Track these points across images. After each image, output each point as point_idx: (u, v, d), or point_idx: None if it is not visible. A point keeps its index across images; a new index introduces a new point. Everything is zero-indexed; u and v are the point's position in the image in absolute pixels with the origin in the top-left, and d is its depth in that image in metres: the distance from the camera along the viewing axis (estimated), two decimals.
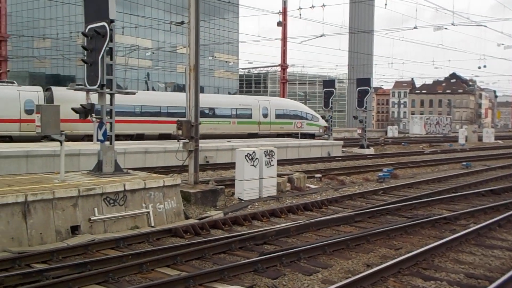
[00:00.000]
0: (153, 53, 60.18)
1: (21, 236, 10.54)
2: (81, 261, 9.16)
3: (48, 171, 18.25)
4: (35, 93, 29.91)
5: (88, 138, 29.56)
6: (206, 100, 37.14)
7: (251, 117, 38.48)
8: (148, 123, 33.37)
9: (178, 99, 34.79)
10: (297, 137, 39.23)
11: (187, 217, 13.84)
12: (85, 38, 14.12)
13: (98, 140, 14.40)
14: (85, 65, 14.32)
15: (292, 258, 9.52)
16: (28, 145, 23.26)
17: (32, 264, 9.18)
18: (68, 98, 29.06)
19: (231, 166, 23.34)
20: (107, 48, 13.74)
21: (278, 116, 40.01)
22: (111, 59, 14.11)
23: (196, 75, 16.03)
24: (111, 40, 13.62)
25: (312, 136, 41.22)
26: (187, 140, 16.01)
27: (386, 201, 16.14)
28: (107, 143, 14.25)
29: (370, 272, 8.53)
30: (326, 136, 41.10)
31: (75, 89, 15.44)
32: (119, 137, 31.54)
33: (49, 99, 29.87)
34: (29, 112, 28.79)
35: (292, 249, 9.91)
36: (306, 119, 41.70)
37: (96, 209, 11.87)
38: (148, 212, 12.87)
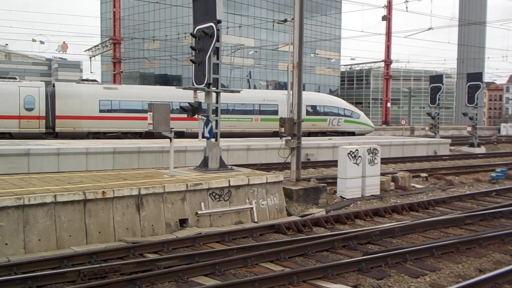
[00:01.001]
0: (256, 51, 61.22)
1: (135, 227, 11.22)
2: (189, 253, 9.56)
3: (157, 166, 19.25)
4: (36, 89, 29.15)
5: (93, 135, 29.58)
6: (224, 95, 37.01)
7: (277, 114, 33.89)
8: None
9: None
10: (335, 135, 35.81)
11: (289, 214, 13.95)
12: (194, 38, 14.69)
13: (204, 137, 14.94)
14: (193, 65, 14.91)
15: (398, 259, 9.26)
16: (140, 142, 24.69)
17: (145, 253, 9.74)
18: (70, 94, 29.91)
19: (332, 164, 23.15)
20: (214, 48, 14.19)
21: (309, 112, 35.71)
22: (217, 59, 14.56)
23: (299, 73, 16.06)
24: (217, 40, 14.05)
25: (351, 134, 37.66)
26: (289, 138, 16.10)
27: (500, 204, 15.15)
28: (213, 140, 14.74)
29: (483, 277, 8.07)
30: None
31: (184, 89, 16.11)
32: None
33: (51, 95, 29.46)
34: (29, 109, 28.34)
35: (397, 250, 9.63)
36: (344, 115, 37.72)
37: (202, 203, 12.33)
38: (252, 208, 13.13)
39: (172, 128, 13.73)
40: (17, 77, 31.79)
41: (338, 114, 37.43)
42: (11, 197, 9.94)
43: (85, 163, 19.78)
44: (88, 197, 10.70)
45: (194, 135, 28.97)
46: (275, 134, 32.48)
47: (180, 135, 29.67)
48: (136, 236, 11.09)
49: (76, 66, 45.67)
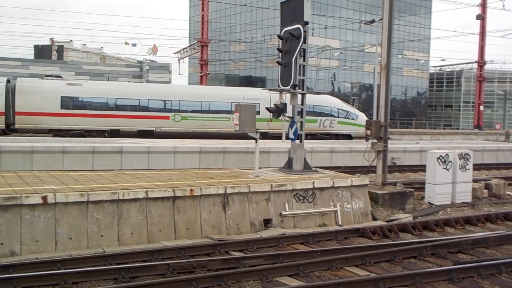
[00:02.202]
0: (341, 53, 60.57)
1: (221, 225, 11.48)
2: (273, 253, 9.64)
3: (241, 166, 19.56)
4: None
5: (56, 132, 28.95)
6: (198, 92, 32.81)
7: (258, 113, 33.16)
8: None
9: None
10: (327, 138, 32.85)
11: (374, 219, 13.66)
12: (280, 40, 14.79)
13: (289, 138, 14.99)
14: (279, 66, 15.01)
15: (492, 271, 8.78)
16: (225, 142, 25.20)
17: (230, 251, 9.94)
18: (31, 90, 29.56)
19: (419, 168, 22.38)
20: (301, 50, 14.21)
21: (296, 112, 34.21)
22: (304, 60, 14.57)
23: (387, 74, 15.69)
24: (304, 41, 14.06)
25: (347, 137, 34.42)
26: (375, 140, 15.77)
27: None
28: (297, 141, 14.75)
29: None
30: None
31: (270, 90, 16.23)
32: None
33: (12, 91, 29.31)
34: None
35: (491, 261, 9.14)
36: (337, 116, 34.10)
37: (286, 204, 12.38)
38: (336, 211, 13.00)
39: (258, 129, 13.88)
40: None
41: (331, 115, 33.88)
42: (107, 192, 10.52)
43: (173, 162, 20.49)
44: (177, 194, 11.09)
45: (164, 135, 28.46)
46: None
47: (149, 134, 29.34)
48: (222, 234, 11.34)
49: (165, 68, 47.57)
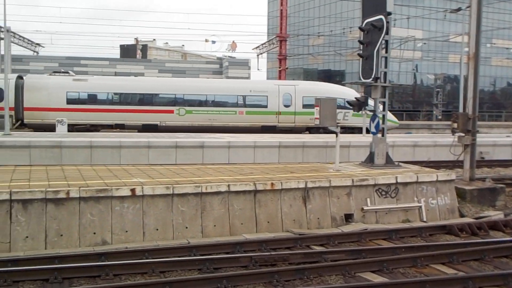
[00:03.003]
0: (425, 43, 58.38)
1: (301, 219, 11.47)
2: (355, 248, 9.51)
3: (321, 161, 19.41)
4: (7, 81, 29.04)
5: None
6: (203, 85, 32.00)
7: (266, 106, 30.18)
8: None
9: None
10: (341, 131, 30.97)
11: (461, 215, 13.09)
12: (362, 32, 14.50)
13: (371, 132, 14.69)
14: (360, 59, 14.72)
15: None
16: (304, 137, 25.12)
17: (311, 245, 9.91)
18: (38, 86, 29.49)
19: (511, 163, 21.18)
20: (383, 41, 13.86)
21: (306, 105, 30.01)
22: (386, 52, 14.20)
23: (476, 64, 14.92)
24: (387, 33, 13.70)
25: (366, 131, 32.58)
26: (462, 134, 15.08)
27: None
28: (379, 135, 14.42)
29: None
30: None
31: (350, 83, 15.94)
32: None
33: (21, 87, 29.59)
34: None
35: None
36: (352, 109, 32.34)
37: (368, 199, 12.15)
38: (420, 207, 12.58)
39: (338, 124, 13.70)
40: None
41: (345, 107, 30.44)
42: (191, 185, 10.84)
43: (253, 156, 20.71)
44: (258, 188, 11.21)
45: (169, 129, 27.48)
46: (263, 129, 29.26)
47: (154, 128, 28.41)
48: (303, 228, 11.33)
49: (244, 64, 48.20)
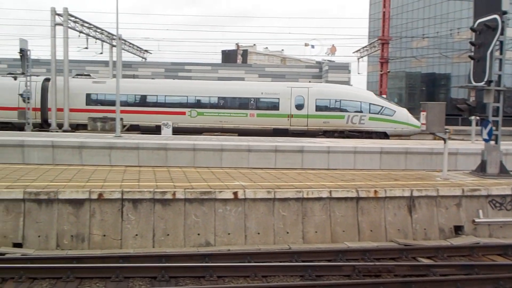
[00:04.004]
0: None
1: (406, 229, 11.00)
2: (467, 263, 8.95)
3: (425, 168, 18.54)
4: (33, 83, 30.50)
5: (83, 127, 28.92)
6: (214, 88, 31.69)
7: (277, 109, 29.72)
8: None
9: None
10: (357, 136, 28.63)
11: None
12: (473, 33, 13.68)
13: (483, 139, 13.81)
14: (471, 61, 13.89)
15: None
16: (407, 142, 24.18)
17: (418, 257, 9.46)
18: (61, 88, 29.96)
19: None
20: (497, 42, 12.97)
21: (320, 107, 29.78)
22: (501, 53, 13.28)
23: None
24: (502, 33, 12.81)
25: (382, 135, 29.56)
26: None
27: None
28: (492, 142, 13.51)
29: None
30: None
31: (460, 87, 15.09)
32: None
33: (46, 89, 30.77)
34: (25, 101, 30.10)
35: None
36: (369, 112, 29.93)
37: (480, 211, 11.39)
38: None
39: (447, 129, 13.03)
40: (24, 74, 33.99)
41: (360, 111, 30.09)
42: (292, 190, 10.79)
43: (353, 162, 20.27)
44: (360, 195, 10.92)
45: (181, 131, 27.33)
46: (275, 132, 28.58)
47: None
48: (408, 238, 10.86)
49: (344, 67, 47.46)
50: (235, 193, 10.46)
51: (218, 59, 58.78)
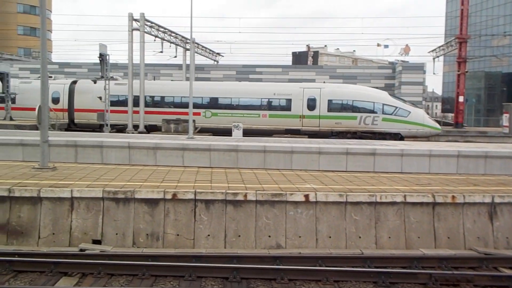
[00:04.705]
0: None
1: (487, 237, 10.47)
2: None
3: (508, 173, 17.59)
4: (62, 86, 32.98)
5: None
6: (228, 89, 31.85)
7: (289, 109, 29.86)
8: None
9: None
10: (370, 137, 28.26)
11: None
12: None
13: None
14: None
15: None
16: (486, 146, 23.06)
17: (499, 267, 8.95)
18: (85, 90, 32.14)
19: None
20: None
21: (332, 108, 29.79)
22: None
23: None
24: None
25: (396, 137, 28.99)
26: None
27: None
28: None
29: None
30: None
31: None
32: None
33: (73, 91, 32.77)
34: (55, 101, 32.20)
35: None
36: (382, 113, 29.53)
37: None
38: None
39: None
40: (52, 76, 35.09)
41: (373, 111, 29.74)
42: (364, 194, 10.56)
43: (428, 165, 19.58)
44: (437, 200, 10.51)
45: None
46: (287, 133, 28.96)
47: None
48: (488, 247, 10.33)
49: (419, 68, 45.87)
50: (306, 196, 10.38)
51: (288, 60, 58.69)
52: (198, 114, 30.30)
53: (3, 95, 31.79)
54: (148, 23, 33.25)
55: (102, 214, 10.22)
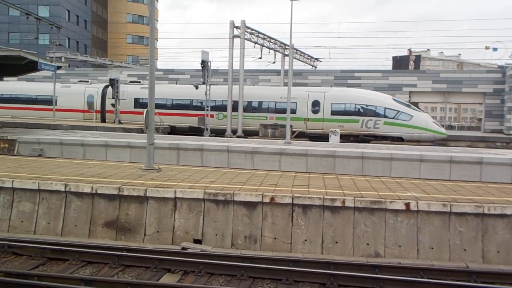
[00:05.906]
0: None
1: None
2: None
3: None
4: (96, 89, 36.40)
5: (123, 130, 29.75)
6: (235, 92, 32.52)
7: (295, 112, 30.86)
8: None
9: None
10: (372, 140, 29.38)
11: None
12: None
13: None
14: None
15: None
16: None
17: None
18: (110, 94, 34.46)
19: None
20: None
21: (335, 111, 31.04)
22: None
23: None
24: None
25: (399, 140, 29.77)
26: None
27: None
28: None
29: None
30: None
31: None
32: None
33: (105, 95, 35.56)
34: (89, 104, 35.75)
35: None
36: (384, 116, 30.27)
37: None
38: None
39: None
40: (89, 80, 39.52)
41: (376, 115, 30.60)
42: (470, 204, 10.02)
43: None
44: None
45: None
46: (292, 134, 28.56)
47: (199, 130, 31.12)
48: None
49: None
50: (407, 204, 10.04)
51: (389, 65, 57.31)
52: (212, 116, 32.20)
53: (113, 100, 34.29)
54: (248, 30, 34.00)
55: (203, 215, 10.57)
